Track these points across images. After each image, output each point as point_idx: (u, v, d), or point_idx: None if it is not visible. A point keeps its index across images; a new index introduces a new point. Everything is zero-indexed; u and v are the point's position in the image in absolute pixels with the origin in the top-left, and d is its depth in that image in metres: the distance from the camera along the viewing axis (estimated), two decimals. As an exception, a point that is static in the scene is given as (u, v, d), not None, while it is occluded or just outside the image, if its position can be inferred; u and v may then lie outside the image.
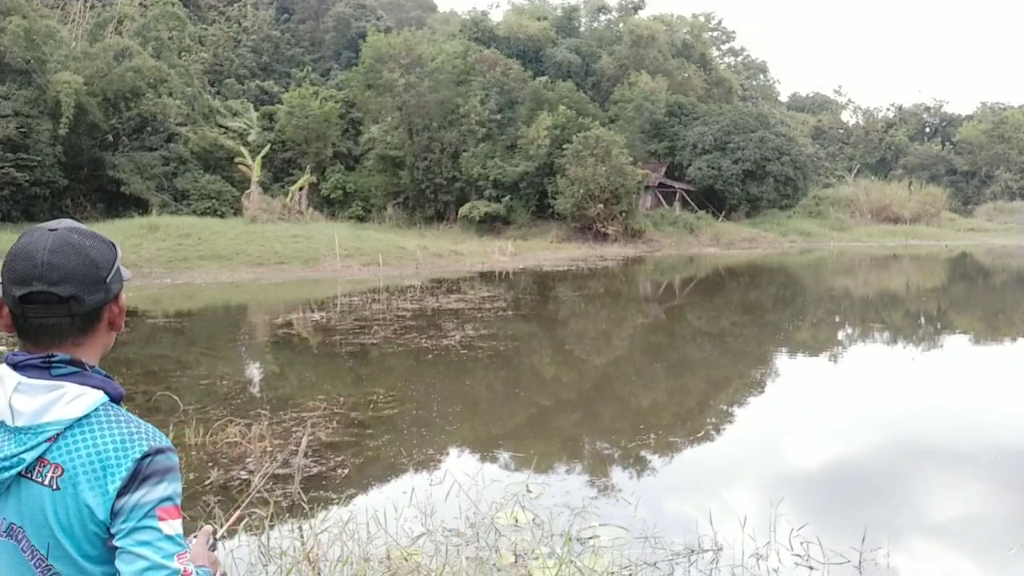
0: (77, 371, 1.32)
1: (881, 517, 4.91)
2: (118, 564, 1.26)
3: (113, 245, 1.43)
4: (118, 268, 1.42)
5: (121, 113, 32.62)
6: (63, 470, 1.26)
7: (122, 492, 1.26)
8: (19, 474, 1.27)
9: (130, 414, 1.36)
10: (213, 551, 1.60)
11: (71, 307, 1.30)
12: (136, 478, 1.27)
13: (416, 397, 8.26)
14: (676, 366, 10.96)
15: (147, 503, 1.27)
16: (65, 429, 1.27)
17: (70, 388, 1.29)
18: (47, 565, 1.28)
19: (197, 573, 1.33)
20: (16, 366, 1.30)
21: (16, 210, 28.40)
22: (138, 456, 1.28)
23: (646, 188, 37.70)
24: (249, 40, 51.18)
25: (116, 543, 1.26)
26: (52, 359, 1.30)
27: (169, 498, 1.30)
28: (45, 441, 1.26)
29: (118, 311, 1.44)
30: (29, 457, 1.25)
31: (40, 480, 1.26)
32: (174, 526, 1.30)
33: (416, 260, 24.71)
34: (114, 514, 1.26)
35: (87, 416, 1.29)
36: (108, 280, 1.37)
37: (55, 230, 1.33)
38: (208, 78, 44.61)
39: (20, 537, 1.28)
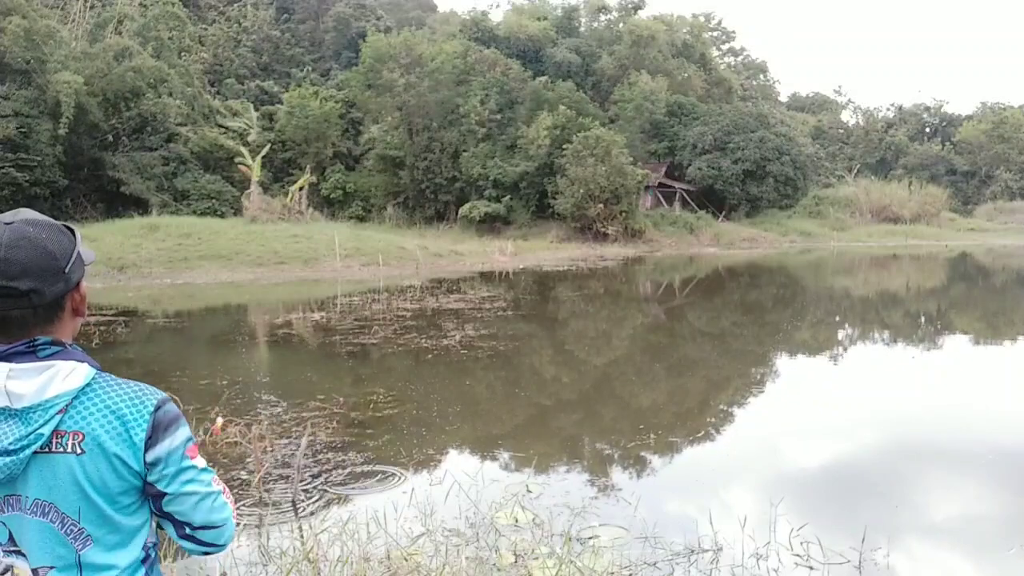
0: (61, 350, 1.39)
1: (881, 517, 4.91)
2: (170, 508, 1.43)
3: (72, 232, 1.45)
4: (77, 255, 1.44)
5: (121, 113, 32.63)
6: (84, 435, 1.35)
7: (150, 444, 1.39)
8: (34, 451, 1.33)
9: (119, 378, 1.46)
10: None
11: (32, 299, 1.35)
12: (159, 428, 1.40)
13: (416, 397, 8.26)
14: (676, 366, 10.96)
15: (177, 447, 1.42)
16: (72, 400, 1.36)
17: (61, 365, 1.36)
18: (79, 529, 1.36)
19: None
20: (1, 357, 1.35)
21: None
22: (152, 408, 1.40)
23: (646, 188, 37.70)
24: (249, 40, 51.16)
25: (164, 490, 1.41)
26: (35, 342, 1.36)
27: (190, 438, 1.46)
28: (56, 413, 1.33)
29: (80, 299, 1.47)
30: (47, 431, 1.33)
31: (62, 450, 1.34)
32: (201, 459, 1.48)
33: (416, 260, 24.71)
34: (151, 464, 1.40)
35: (88, 384, 1.38)
36: (67, 270, 1.40)
37: (11, 223, 1.36)
38: (208, 78, 44.62)
39: (48, 511, 1.36)
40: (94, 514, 1.37)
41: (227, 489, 1.54)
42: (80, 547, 1.36)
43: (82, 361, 1.40)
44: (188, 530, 1.45)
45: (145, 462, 1.39)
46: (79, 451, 1.35)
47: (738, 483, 5.82)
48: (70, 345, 1.42)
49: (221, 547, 1.52)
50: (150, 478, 1.40)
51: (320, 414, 7.29)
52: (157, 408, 1.40)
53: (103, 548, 1.38)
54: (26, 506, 1.35)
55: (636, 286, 22.86)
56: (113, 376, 1.45)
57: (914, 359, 11.43)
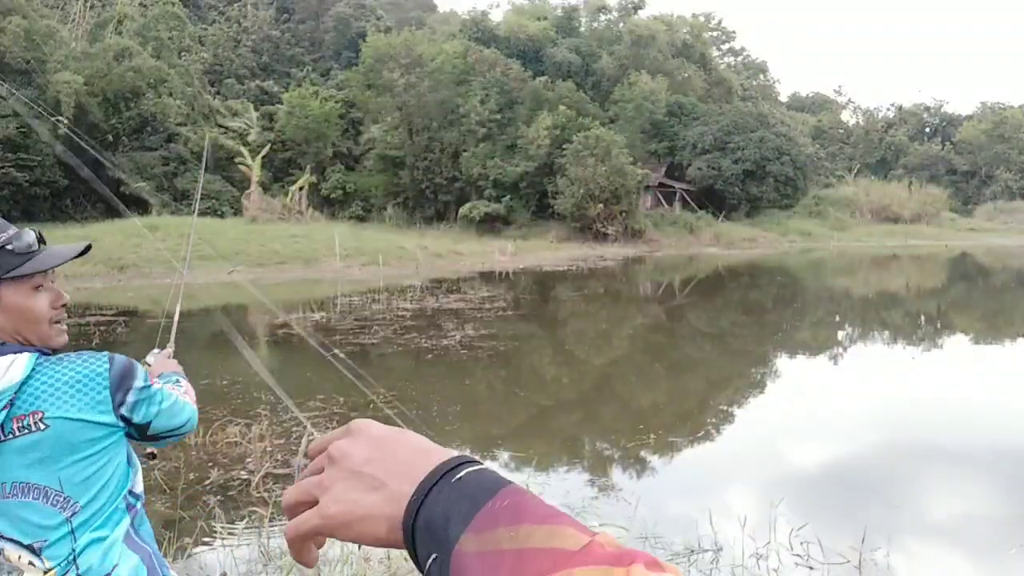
0: None
1: (881, 517, 4.91)
2: (153, 432, 1.58)
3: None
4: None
5: (121, 113, 32.65)
6: (43, 412, 1.42)
7: (119, 396, 1.49)
8: None
9: (64, 354, 1.53)
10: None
11: None
12: (123, 379, 1.50)
13: (416, 397, 8.26)
14: (676, 366, 10.96)
15: (144, 387, 1.54)
16: (17, 390, 1.41)
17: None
18: (65, 498, 1.44)
19: (170, 384, 1.73)
20: None
21: (16, 210, 28.42)
22: (106, 366, 1.49)
23: (646, 188, 37.70)
24: (249, 40, 51.15)
25: (148, 421, 1.55)
26: None
27: (145, 372, 1.58)
28: (2, 408, 1.39)
29: (17, 294, 1.51)
30: None
31: (26, 431, 1.41)
32: (157, 383, 1.62)
33: (416, 260, 24.71)
34: (132, 410, 1.51)
35: (34, 370, 1.44)
36: None
37: None
38: (208, 78, 44.61)
39: (28, 490, 1.42)
40: (75, 479, 1.44)
41: (176, 389, 1.70)
42: (70, 514, 1.44)
43: (19, 352, 1.45)
44: (159, 437, 1.61)
45: (121, 412, 1.49)
46: (43, 427, 1.41)
47: (738, 483, 5.82)
48: (2, 344, 1.46)
49: (186, 434, 1.70)
50: (136, 419, 1.52)
51: (320, 414, 7.29)
52: (110, 364, 1.49)
53: (90, 508, 1.45)
54: (5, 492, 1.41)
55: (636, 286, 22.86)
56: (58, 355, 1.52)
57: (914, 359, 11.43)
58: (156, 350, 2.13)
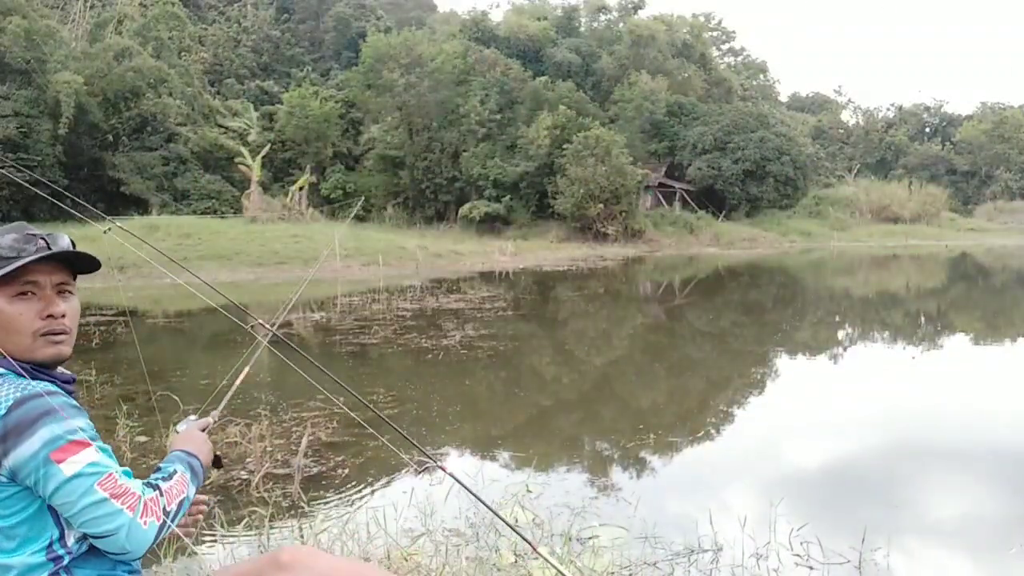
0: None
1: (881, 517, 4.91)
2: (60, 512, 1.32)
3: None
4: None
5: (121, 113, 32.66)
6: None
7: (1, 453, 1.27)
8: None
9: (17, 379, 1.34)
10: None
11: None
12: (9, 435, 1.25)
13: (416, 397, 8.26)
14: (676, 366, 10.96)
15: (36, 453, 1.27)
16: None
17: None
18: None
19: (155, 479, 1.44)
20: None
21: (16, 210, 28.44)
22: (3, 411, 1.27)
23: (646, 188, 37.72)
24: (249, 40, 51.15)
25: (42, 494, 1.29)
26: None
27: (57, 438, 1.28)
28: None
29: None
30: None
31: None
32: (77, 462, 1.28)
33: (416, 260, 24.72)
34: (13, 473, 1.28)
35: None
36: None
37: None
38: (208, 78, 44.62)
39: None
40: None
41: (138, 495, 1.36)
42: None
43: None
44: (86, 533, 1.34)
45: (1, 472, 1.28)
46: None
47: (738, 483, 5.82)
48: None
49: (122, 555, 1.34)
50: (27, 484, 1.29)
51: (320, 414, 7.28)
52: (8, 412, 1.27)
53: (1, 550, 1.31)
54: None
55: (636, 286, 22.86)
56: (9, 375, 1.35)
57: (914, 359, 11.42)
58: (192, 417, 1.78)
